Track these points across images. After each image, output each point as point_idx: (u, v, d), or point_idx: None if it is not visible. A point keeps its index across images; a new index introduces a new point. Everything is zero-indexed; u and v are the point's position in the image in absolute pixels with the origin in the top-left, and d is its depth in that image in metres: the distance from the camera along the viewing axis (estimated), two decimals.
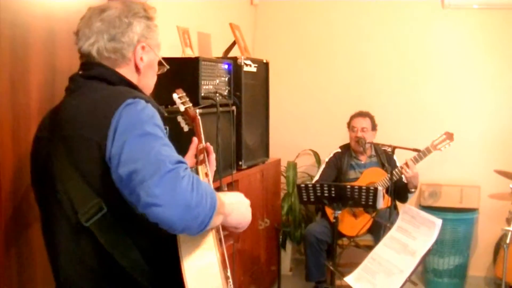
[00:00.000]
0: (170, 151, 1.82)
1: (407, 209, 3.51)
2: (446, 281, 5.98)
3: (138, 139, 1.79)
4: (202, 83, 3.98)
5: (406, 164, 5.12)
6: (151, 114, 1.89)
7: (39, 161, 2.04)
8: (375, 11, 6.39)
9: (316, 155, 6.43)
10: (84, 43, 2.09)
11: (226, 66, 4.47)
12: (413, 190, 5.29)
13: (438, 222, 3.28)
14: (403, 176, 5.18)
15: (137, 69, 2.15)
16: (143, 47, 2.13)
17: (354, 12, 6.44)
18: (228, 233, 2.14)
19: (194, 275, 1.85)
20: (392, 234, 3.45)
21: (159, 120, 1.90)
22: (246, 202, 2.12)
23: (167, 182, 1.72)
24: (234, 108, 4.54)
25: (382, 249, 3.42)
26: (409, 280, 3.23)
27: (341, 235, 5.16)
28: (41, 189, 2.08)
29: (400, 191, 5.32)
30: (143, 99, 1.93)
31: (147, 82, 2.22)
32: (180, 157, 1.83)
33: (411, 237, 3.34)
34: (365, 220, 5.12)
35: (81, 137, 1.89)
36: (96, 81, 2.04)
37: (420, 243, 3.26)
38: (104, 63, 2.08)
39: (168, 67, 2.30)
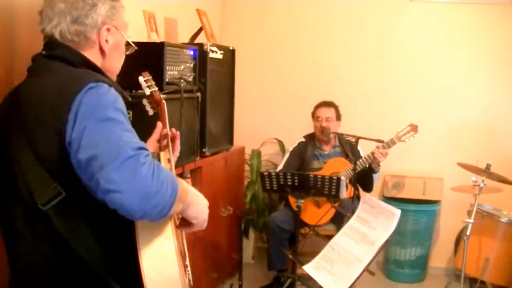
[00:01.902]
0: (131, 136, 1.79)
1: (367, 199, 3.52)
2: (407, 271, 6.02)
3: (99, 124, 1.75)
4: (167, 68, 3.95)
5: (378, 152, 5.10)
6: (113, 98, 1.84)
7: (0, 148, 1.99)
8: (343, 2, 6.39)
9: (281, 143, 6.42)
10: (47, 25, 2.02)
11: (191, 52, 4.43)
12: (377, 169, 5.31)
13: (397, 212, 3.30)
14: (366, 164, 5.18)
15: (102, 51, 2.08)
16: (108, 29, 2.06)
17: (322, 3, 6.43)
18: (182, 228, 2.09)
19: (151, 263, 1.83)
20: (352, 224, 3.46)
21: (121, 105, 1.86)
22: (206, 202, 2.07)
23: (126, 168, 1.69)
24: (198, 94, 4.51)
25: (341, 238, 3.43)
26: (367, 269, 3.25)
27: (304, 224, 5.16)
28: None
29: (365, 177, 5.34)
30: (106, 83, 1.88)
31: (113, 64, 2.16)
32: (141, 143, 1.80)
33: (370, 227, 3.35)
34: (327, 209, 5.13)
35: (40, 121, 1.84)
36: (57, 62, 1.98)
37: (379, 233, 3.28)
38: (68, 45, 2.02)
39: (135, 47, 2.25)
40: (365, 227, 3.37)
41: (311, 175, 4.59)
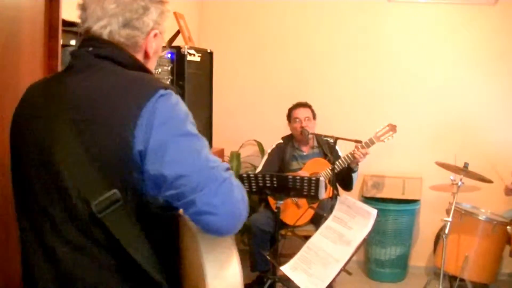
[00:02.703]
0: (212, 155, 1.80)
1: (344, 199, 3.53)
2: (388, 271, 6.06)
3: (182, 140, 1.75)
4: None
5: (358, 151, 5.13)
6: (185, 109, 1.82)
7: (32, 143, 1.88)
8: (320, 4, 6.40)
9: (260, 145, 6.43)
10: (93, 24, 1.90)
11: (169, 55, 4.42)
12: (356, 168, 5.34)
13: (373, 212, 3.31)
14: (345, 164, 5.21)
15: (147, 55, 2.00)
16: (155, 35, 1.98)
17: (299, 5, 6.44)
18: None
19: (215, 272, 1.83)
20: (329, 224, 3.47)
21: (192, 116, 1.84)
22: None
23: (223, 191, 1.72)
24: None
25: (318, 238, 3.44)
26: (344, 269, 3.26)
27: (284, 225, 5.17)
28: (29, 175, 1.90)
29: (344, 176, 5.38)
30: (172, 90, 1.83)
31: (151, 67, 2.08)
32: (225, 163, 1.82)
33: (347, 227, 3.36)
34: (309, 210, 5.14)
35: (101, 123, 1.77)
36: (108, 62, 1.88)
37: (356, 233, 3.29)
38: (112, 42, 1.92)
39: (168, 51, 2.21)
40: (342, 227, 3.38)
41: (290, 176, 4.59)
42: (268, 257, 4.49)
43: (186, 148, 1.74)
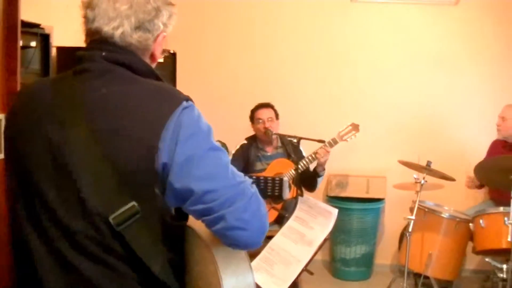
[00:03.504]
0: (237, 169, 1.81)
1: (305, 199, 3.55)
2: (353, 269, 6.09)
3: (211, 155, 1.73)
4: None
5: (323, 150, 5.15)
6: (207, 123, 1.80)
7: (44, 148, 1.78)
8: (283, 5, 6.41)
9: (224, 146, 6.37)
10: (105, 24, 1.83)
11: None
12: (322, 173, 5.35)
13: (334, 211, 3.32)
14: (309, 164, 5.22)
15: (153, 58, 1.97)
16: (164, 37, 1.95)
17: (262, 6, 6.45)
18: None
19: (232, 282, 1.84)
20: (290, 224, 3.48)
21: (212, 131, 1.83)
22: None
23: (252, 207, 1.73)
24: None
25: (280, 239, 3.45)
26: (305, 269, 3.27)
27: None
28: (39, 180, 1.80)
29: (309, 178, 5.38)
30: (193, 102, 1.82)
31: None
32: (248, 177, 1.82)
33: (308, 227, 3.37)
34: (272, 211, 5.15)
35: (123, 134, 1.71)
36: (124, 69, 1.82)
37: (317, 233, 3.30)
38: (126, 48, 1.86)
39: (167, 53, 2.16)
40: (303, 227, 3.39)
41: (254, 177, 4.58)
42: None
43: (213, 163, 1.74)
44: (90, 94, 1.77)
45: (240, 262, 1.88)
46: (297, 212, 3.51)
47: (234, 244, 1.77)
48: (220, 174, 1.73)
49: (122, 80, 1.80)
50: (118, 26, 1.82)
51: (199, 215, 1.75)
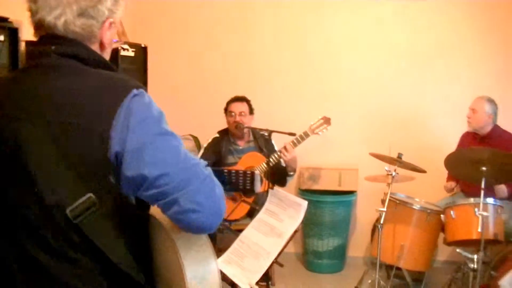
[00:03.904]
0: (190, 152, 1.80)
1: (275, 192, 3.54)
2: (326, 262, 6.12)
3: (160, 139, 1.72)
4: None
5: (285, 147, 5.18)
6: (159, 109, 1.79)
7: (1, 143, 1.79)
8: (255, 0, 6.42)
9: (196, 140, 6.40)
10: (47, 14, 1.81)
11: None
12: (291, 173, 5.39)
13: (303, 204, 3.32)
14: (281, 160, 5.24)
15: (102, 46, 1.94)
16: (110, 24, 1.91)
17: (234, 1, 6.45)
18: None
19: (194, 269, 1.83)
20: (260, 217, 3.48)
21: (165, 115, 1.82)
22: None
23: (206, 188, 1.73)
24: None
25: (250, 231, 3.44)
26: (276, 261, 3.28)
27: (222, 220, 5.16)
28: None
29: (279, 175, 5.39)
30: (144, 89, 1.80)
31: (106, 58, 1.99)
32: (201, 160, 1.82)
33: (278, 219, 3.37)
34: (243, 204, 5.15)
35: (77, 125, 1.71)
36: (74, 61, 1.82)
37: (287, 225, 3.30)
38: (74, 39, 1.85)
39: (122, 42, 2.12)
40: (274, 219, 3.39)
41: (226, 170, 4.60)
42: None
43: (164, 147, 1.73)
44: (44, 89, 1.78)
45: (201, 249, 1.87)
46: (267, 205, 3.51)
47: (188, 227, 1.77)
48: (171, 158, 1.72)
49: (73, 73, 1.80)
50: (60, 15, 1.81)
51: (154, 200, 1.75)
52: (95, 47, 1.91)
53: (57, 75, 1.79)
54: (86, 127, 1.70)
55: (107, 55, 1.99)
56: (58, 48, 1.82)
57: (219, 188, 1.80)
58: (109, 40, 1.95)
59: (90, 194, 1.71)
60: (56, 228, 1.74)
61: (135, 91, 1.75)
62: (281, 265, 3.47)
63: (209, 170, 1.80)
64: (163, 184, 1.70)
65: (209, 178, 1.77)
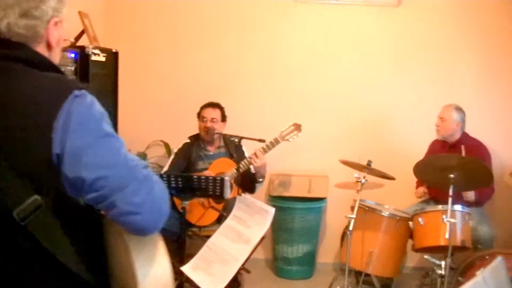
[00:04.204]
0: (131, 153, 1.79)
1: (243, 198, 3.56)
2: (296, 268, 6.11)
3: (100, 141, 1.73)
4: None
5: (255, 154, 5.20)
6: (101, 110, 1.80)
7: None
8: (228, 4, 6.41)
9: (167, 145, 6.38)
10: None
11: (72, 55, 4.37)
12: (261, 180, 5.40)
13: (271, 210, 3.34)
14: (251, 166, 5.25)
15: (49, 47, 1.93)
16: (55, 23, 1.90)
17: (206, 5, 6.43)
18: None
19: (145, 268, 1.83)
20: (228, 223, 3.50)
21: (107, 116, 1.83)
22: None
23: (144, 189, 1.73)
24: None
25: (218, 238, 3.46)
26: (243, 268, 3.29)
27: (191, 226, 5.17)
28: None
29: (248, 181, 5.41)
30: (87, 90, 1.81)
31: (56, 59, 1.99)
32: (143, 160, 1.82)
33: (246, 226, 3.39)
34: (213, 210, 5.16)
35: (19, 128, 1.72)
36: (21, 65, 1.82)
37: (254, 231, 3.32)
38: (19, 41, 1.84)
39: (72, 40, 2.10)
40: (241, 225, 3.41)
41: (195, 176, 4.59)
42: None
43: (103, 149, 1.74)
44: None
45: (153, 249, 1.87)
46: (235, 211, 3.53)
47: (132, 229, 1.78)
48: (110, 160, 1.74)
49: (17, 76, 1.80)
50: (3, 18, 1.81)
51: (95, 203, 1.76)
52: (41, 48, 1.91)
53: (2, 78, 1.80)
54: (29, 129, 1.71)
55: (56, 56, 1.99)
56: (3, 52, 1.83)
57: (160, 188, 1.81)
58: (56, 39, 1.94)
59: (36, 196, 1.72)
60: (4, 231, 1.75)
61: (76, 92, 1.76)
62: (248, 272, 3.49)
63: (149, 171, 1.80)
64: (100, 187, 1.71)
65: (148, 179, 1.77)
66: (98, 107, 1.80)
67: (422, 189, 5.73)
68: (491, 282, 3.21)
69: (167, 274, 1.88)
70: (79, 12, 5.02)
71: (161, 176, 4.62)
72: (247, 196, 3.63)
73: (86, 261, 1.84)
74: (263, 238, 3.31)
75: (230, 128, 5.57)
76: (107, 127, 1.77)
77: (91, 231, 1.92)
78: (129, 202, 1.71)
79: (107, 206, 1.74)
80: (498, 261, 3.59)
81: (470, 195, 5.23)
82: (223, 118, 5.60)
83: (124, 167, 1.74)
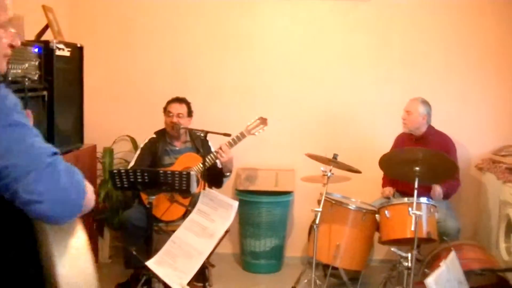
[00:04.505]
0: (42, 141, 1.75)
1: (207, 192, 3.57)
2: (264, 262, 6.13)
3: (7, 130, 1.69)
4: (10, 67, 3.83)
5: (221, 148, 5.20)
6: (14, 101, 1.75)
7: None
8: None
9: (133, 140, 6.35)
10: None
11: (36, 50, 4.33)
12: (228, 174, 5.41)
13: (234, 204, 3.35)
14: (218, 161, 5.26)
15: None
16: None
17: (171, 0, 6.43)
18: None
19: (66, 262, 1.81)
20: (192, 217, 3.50)
21: (22, 107, 1.78)
22: (91, 187, 1.97)
23: (46, 177, 1.68)
24: (45, 93, 4.41)
25: (182, 232, 3.46)
26: (207, 261, 3.29)
27: (159, 221, 5.16)
28: None
29: (215, 176, 5.41)
30: (3, 83, 1.76)
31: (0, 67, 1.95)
32: (54, 148, 1.76)
33: (210, 220, 3.39)
34: (180, 205, 5.15)
35: None
36: None
37: (218, 225, 3.33)
38: None
39: (19, 43, 2.05)
40: (205, 219, 3.41)
41: (161, 171, 4.58)
42: (134, 252, 4.45)
43: (10, 138, 1.70)
44: None
45: (74, 242, 1.86)
46: (199, 205, 3.54)
47: (38, 218, 1.74)
48: (15, 149, 1.70)
49: None
50: None
51: (3, 193, 1.72)
52: None
53: None
54: None
55: None
56: None
57: (68, 175, 1.75)
58: None
59: None
60: None
61: None
62: (213, 266, 3.49)
63: (55, 158, 1.75)
64: (5, 177, 1.68)
65: (51, 166, 1.72)
66: (12, 98, 1.76)
67: (389, 189, 5.74)
68: (452, 271, 3.27)
69: (89, 266, 1.87)
70: (43, 6, 4.97)
71: (127, 171, 4.60)
72: (211, 190, 3.64)
73: (14, 256, 1.83)
74: (227, 231, 3.32)
75: (196, 123, 5.55)
76: (17, 116, 1.74)
77: (18, 227, 1.88)
78: (30, 191, 1.66)
79: (12, 196, 1.69)
80: (453, 254, 3.67)
81: (438, 195, 5.26)
82: (189, 113, 5.59)
83: (26, 155, 1.70)
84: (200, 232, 3.35)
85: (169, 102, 5.60)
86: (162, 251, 3.45)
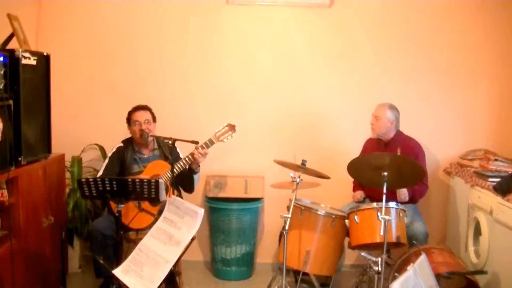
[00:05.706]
0: None
1: (173, 200, 3.56)
2: (234, 269, 6.12)
3: None
4: None
5: (199, 153, 5.20)
6: None
7: None
8: (161, 5, 6.38)
9: (102, 149, 6.32)
10: None
11: (1, 59, 4.30)
12: (197, 170, 5.40)
13: (200, 211, 3.35)
14: (186, 165, 5.26)
15: None
16: None
17: (139, 7, 6.39)
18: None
19: None
20: (159, 225, 3.49)
21: None
22: None
23: None
24: (11, 102, 4.38)
25: (149, 240, 3.45)
26: (173, 269, 3.28)
27: (128, 229, 5.13)
28: None
29: (186, 178, 5.42)
30: None
31: None
32: None
33: (176, 227, 3.39)
34: (145, 214, 5.14)
35: None
36: None
37: (184, 233, 3.32)
38: None
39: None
40: (171, 227, 3.41)
41: (130, 180, 4.55)
42: (102, 262, 4.43)
43: None
44: None
45: None
46: (165, 213, 3.53)
47: None
48: None
49: None
50: None
51: None
52: None
53: None
54: None
55: None
56: None
57: None
58: None
59: None
60: None
61: None
62: (179, 273, 3.48)
63: None
64: None
65: None
66: None
67: (360, 193, 5.77)
68: (420, 275, 3.28)
69: None
70: (8, 15, 4.93)
71: (95, 180, 4.58)
72: (177, 197, 3.62)
73: None
74: (193, 239, 3.31)
75: (163, 130, 5.52)
76: None
77: None
78: None
79: None
80: (423, 257, 3.69)
81: (403, 195, 5.30)
82: (154, 119, 5.59)
83: None
84: (166, 240, 3.35)
85: (132, 112, 5.56)
86: (129, 259, 3.43)
